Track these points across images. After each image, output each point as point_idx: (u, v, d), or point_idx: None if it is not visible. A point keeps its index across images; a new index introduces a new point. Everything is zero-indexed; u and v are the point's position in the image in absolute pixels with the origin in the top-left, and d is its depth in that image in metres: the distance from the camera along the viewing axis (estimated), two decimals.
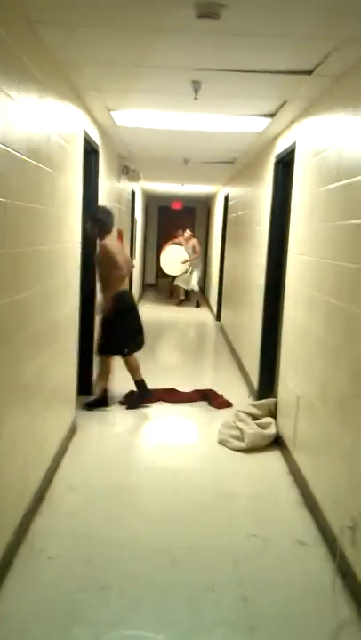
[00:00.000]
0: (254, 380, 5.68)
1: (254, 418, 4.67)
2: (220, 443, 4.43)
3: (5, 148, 2.39)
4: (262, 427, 4.51)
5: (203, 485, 3.73)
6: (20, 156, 2.60)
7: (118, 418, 5.00)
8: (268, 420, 4.59)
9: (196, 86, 3.68)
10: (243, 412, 4.75)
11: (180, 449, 4.36)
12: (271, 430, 4.44)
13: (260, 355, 5.49)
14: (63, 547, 2.92)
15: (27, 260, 2.82)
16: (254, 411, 4.75)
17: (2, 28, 2.32)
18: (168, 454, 4.22)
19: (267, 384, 5.39)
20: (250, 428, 4.44)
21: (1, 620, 2.35)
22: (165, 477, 3.82)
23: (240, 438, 4.41)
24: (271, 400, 4.78)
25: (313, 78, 3.35)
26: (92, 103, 4.36)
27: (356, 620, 2.46)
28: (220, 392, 5.63)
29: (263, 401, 4.87)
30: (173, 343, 8.59)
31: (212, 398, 5.49)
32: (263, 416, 4.68)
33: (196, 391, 5.66)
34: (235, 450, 4.31)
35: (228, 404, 5.37)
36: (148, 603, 2.52)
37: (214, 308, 11.22)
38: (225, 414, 5.05)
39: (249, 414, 4.72)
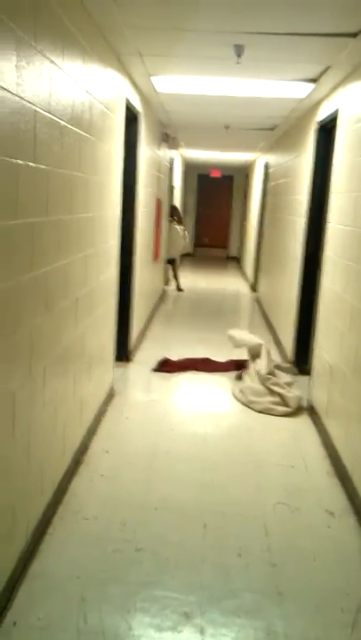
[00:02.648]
0: (289, 350, 5.68)
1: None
2: (262, 411, 4.50)
3: (49, 115, 2.41)
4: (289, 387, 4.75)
5: (235, 453, 3.78)
6: (62, 123, 2.62)
7: (154, 385, 5.08)
8: (288, 379, 4.83)
9: (239, 51, 3.62)
10: (269, 377, 4.80)
11: (214, 417, 4.41)
12: (297, 390, 4.66)
13: (295, 325, 5.47)
14: (99, 508, 3.00)
15: (68, 228, 2.85)
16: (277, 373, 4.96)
17: None
18: (202, 422, 4.27)
19: (302, 355, 5.39)
20: (288, 392, 4.58)
21: (38, 577, 2.45)
22: (199, 444, 3.88)
23: (282, 403, 4.52)
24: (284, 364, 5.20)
25: (358, 41, 3.25)
26: (134, 69, 4.32)
27: None
28: None
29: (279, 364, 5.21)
30: (209, 314, 8.60)
31: (246, 368, 5.50)
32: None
33: (231, 361, 5.69)
34: (282, 416, 4.43)
35: None
36: (180, 566, 2.59)
37: (251, 279, 11.16)
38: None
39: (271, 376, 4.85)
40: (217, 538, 2.83)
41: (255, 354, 5.15)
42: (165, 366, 5.46)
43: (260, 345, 5.16)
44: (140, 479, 3.35)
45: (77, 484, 3.22)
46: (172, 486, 3.30)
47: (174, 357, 5.69)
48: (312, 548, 2.80)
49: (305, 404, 4.59)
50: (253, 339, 5.30)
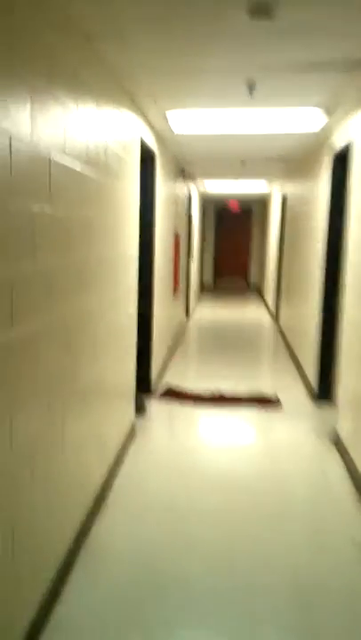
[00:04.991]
0: (313, 382, 5.60)
1: None
2: None
3: (64, 161, 2.44)
4: None
5: (261, 489, 3.70)
6: (78, 168, 2.65)
7: (177, 420, 5.03)
8: None
9: (251, 85, 3.66)
10: None
11: (238, 452, 4.35)
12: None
13: (318, 355, 5.40)
14: (123, 551, 2.95)
15: (87, 269, 2.87)
16: None
17: (59, 41, 2.38)
18: (226, 457, 4.21)
19: (325, 386, 5.32)
20: None
21: (60, 626, 2.39)
22: (224, 481, 3.81)
23: None
24: None
25: None
26: (149, 110, 4.40)
27: None
28: (277, 396, 5.58)
29: None
30: (231, 345, 8.56)
31: (268, 402, 5.44)
32: None
33: (254, 395, 5.63)
34: None
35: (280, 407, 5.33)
36: (208, 607, 2.52)
37: (272, 309, 11.12)
38: (281, 417, 5.01)
39: None
40: (245, 577, 2.75)
41: None
42: (172, 395, 5.54)
43: None
44: (165, 519, 3.30)
45: (101, 526, 3.17)
46: (197, 526, 3.24)
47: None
48: (343, 583, 2.70)
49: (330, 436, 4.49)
50: None
